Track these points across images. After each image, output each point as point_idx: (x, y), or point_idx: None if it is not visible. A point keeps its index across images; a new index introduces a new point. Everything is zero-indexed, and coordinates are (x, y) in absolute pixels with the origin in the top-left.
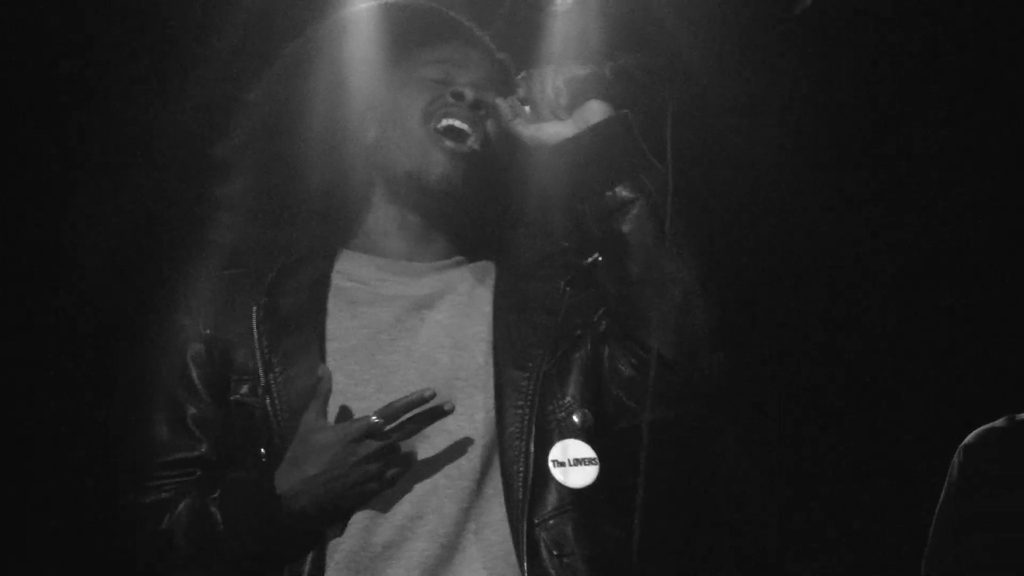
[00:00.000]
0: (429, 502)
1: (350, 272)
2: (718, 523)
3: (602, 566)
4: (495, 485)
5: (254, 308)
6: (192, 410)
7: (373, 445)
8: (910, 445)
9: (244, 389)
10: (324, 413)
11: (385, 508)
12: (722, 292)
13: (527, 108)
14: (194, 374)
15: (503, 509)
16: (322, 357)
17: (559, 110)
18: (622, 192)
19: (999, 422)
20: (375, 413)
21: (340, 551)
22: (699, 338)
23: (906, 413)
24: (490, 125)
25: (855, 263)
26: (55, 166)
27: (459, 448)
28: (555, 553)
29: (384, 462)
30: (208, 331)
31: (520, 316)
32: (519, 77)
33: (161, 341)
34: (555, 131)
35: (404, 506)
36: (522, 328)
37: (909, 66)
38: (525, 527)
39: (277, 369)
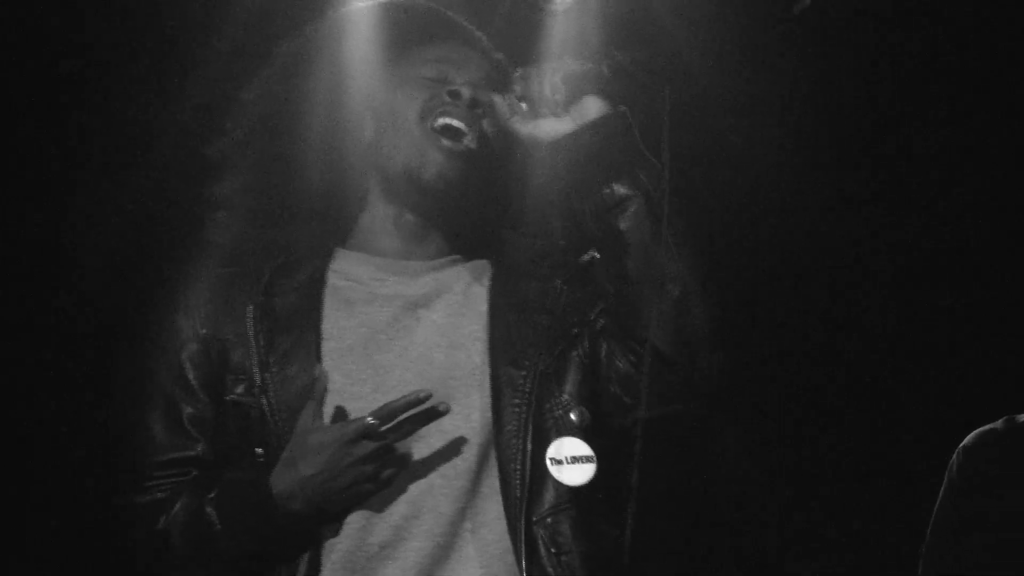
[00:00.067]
0: (425, 502)
1: (346, 271)
2: (718, 523)
3: (599, 565)
4: (491, 484)
5: (250, 308)
6: (188, 410)
7: (369, 446)
8: (910, 445)
9: (240, 389)
10: (320, 413)
11: (381, 508)
12: (722, 292)
13: (524, 105)
14: (190, 374)
15: (499, 508)
16: (318, 357)
17: (556, 107)
18: (619, 189)
19: (998, 424)
20: (371, 414)
21: (336, 551)
22: (697, 335)
23: (906, 413)
24: (487, 124)
25: (855, 263)
26: (55, 166)
27: (455, 447)
28: (553, 551)
29: (380, 463)
30: (204, 331)
31: (517, 315)
32: (516, 74)
33: (158, 341)
34: (552, 128)
35: (400, 506)
36: (519, 327)
37: (909, 66)
38: (523, 525)
39: (273, 369)
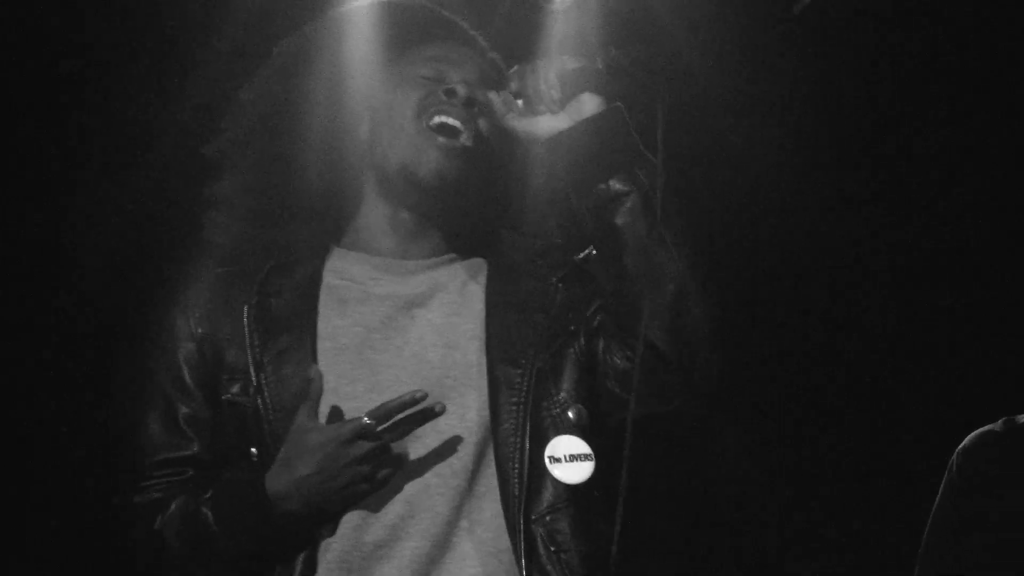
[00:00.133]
0: (421, 501)
1: (342, 270)
2: (718, 523)
3: (598, 563)
4: (487, 483)
5: (245, 307)
6: (184, 409)
7: (365, 446)
8: (910, 445)
9: (235, 388)
10: (316, 413)
11: (377, 508)
12: (722, 292)
13: (520, 102)
14: (186, 374)
15: (496, 507)
16: (314, 357)
17: (552, 104)
18: (616, 185)
19: (997, 425)
20: (367, 414)
21: (332, 551)
22: (695, 331)
23: (906, 413)
24: (483, 123)
25: (855, 263)
26: (55, 166)
27: (450, 447)
28: (552, 549)
29: (376, 463)
30: (200, 330)
31: (513, 313)
32: (512, 71)
33: (156, 341)
34: (548, 125)
35: (396, 505)
36: (515, 325)
37: (909, 66)
38: (522, 524)
39: (268, 368)
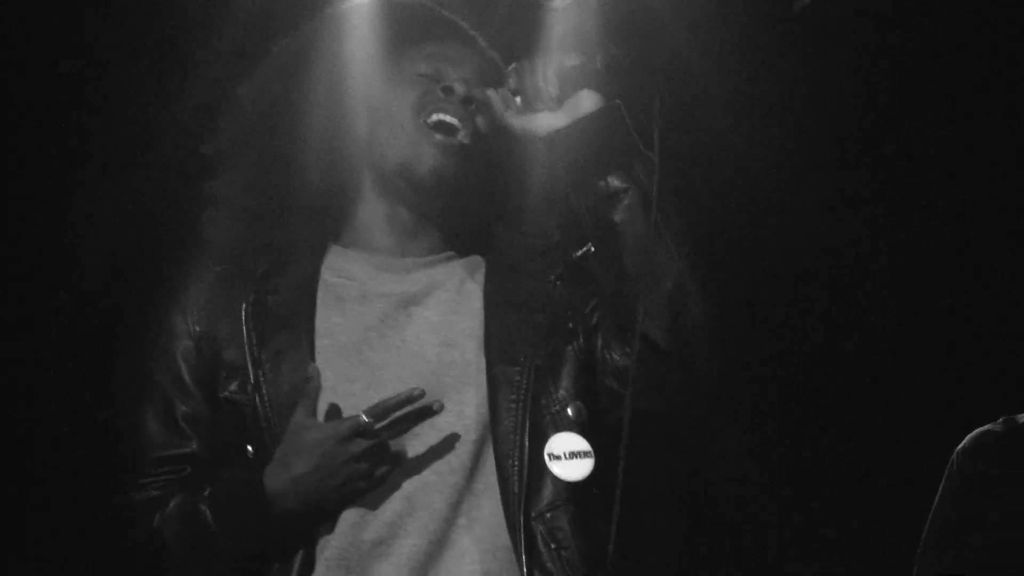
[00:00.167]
0: (419, 498)
1: (339, 268)
2: (718, 523)
3: (598, 562)
4: (486, 480)
5: (244, 305)
6: (182, 407)
7: (363, 444)
8: (910, 445)
9: (234, 386)
10: (313, 411)
11: (375, 505)
12: (722, 292)
13: (518, 99)
14: (185, 372)
15: (494, 504)
16: (311, 354)
17: (550, 101)
18: (614, 182)
19: (996, 425)
20: (365, 412)
21: (330, 548)
22: (694, 328)
23: (906, 413)
24: (481, 121)
25: (855, 263)
26: (55, 166)
27: (448, 444)
28: (552, 547)
29: (374, 461)
30: (198, 328)
31: (511, 311)
32: (510, 68)
33: (155, 339)
34: (546, 122)
35: (394, 503)
36: (513, 323)
37: (909, 66)
38: (522, 521)
39: (267, 366)
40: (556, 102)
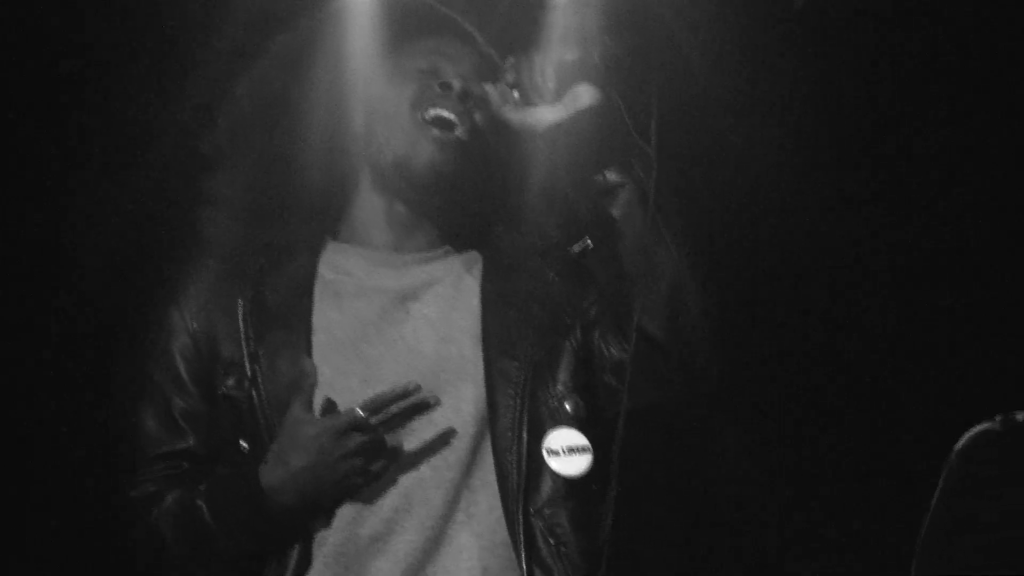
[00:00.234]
0: (415, 494)
1: (336, 264)
2: (718, 523)
3: (598, 558)
4: (483, 476)
5: (240, 301)
6: (180, 403)
7: (359, 438)
8: (910, 445)
9: (230, 382)
10: (309, 406)
11: (372, 500)
12: (722, 292)
13: (516, 94)
14: (182, 368)
15: (492, 500)
16: (308, 350)
17: (548, 95)
18: (612, 177)
19: (994, 424)
20: (360, 406)
21: (327, 544)
22: (691, 322)
23: (906, 413)
24: (478, 116)
25: (855, 263)
26: (55, 166)
27: (445, 440)
28: (552, 543)
29: (370, 455)
30: (195, 324)
31: (509, 307)
32: (508, 63)
33: (152, 337)
34: (544, 116)
35: (391, 498)
36: (511, 318)
37: (909, 66)
38: (521, 517)
39: (263, 362)
40: (554, 96)
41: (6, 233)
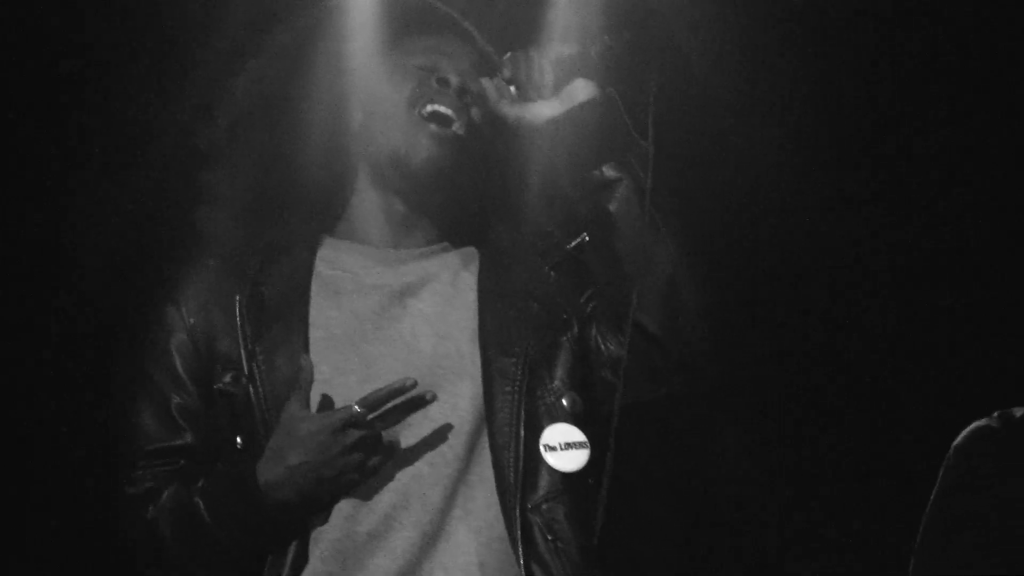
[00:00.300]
0: (413, 490)
1: (333, 260)
2: (718, 523)
3: (595, 555)
4: (481, 472)
5: (238, 297)
6: (176, 400)
7: (356, 434)
8: (910, 445)
9: (228, 378)
10: (307, 403)
11: (369, 497)
12: (722, 292)
13: (513, 89)
14: (178, 364)
15: (489, 496)
16: (305, 346)
17: (545, 90)
18: (608, 171)
19: (992, 420)
20: (357, 402)
21: (324, 540)
22: (687, 317)
23: (906, 413)
24: (475, 112)
25: (855, 263)
26: (55, 166)
27: (442, 436)
28: (549, 538)
29: (367, 451)
30: (192, 321)
31: (506, 302)
32: (505, 58)
33: (150, 333)
34: (541, 111)
35: (388, 495)
36: (508, 314)
37: (909, 66)
38: (518, 512)
39: (260, 358)
40: (551, 91)
41: (6, 233)
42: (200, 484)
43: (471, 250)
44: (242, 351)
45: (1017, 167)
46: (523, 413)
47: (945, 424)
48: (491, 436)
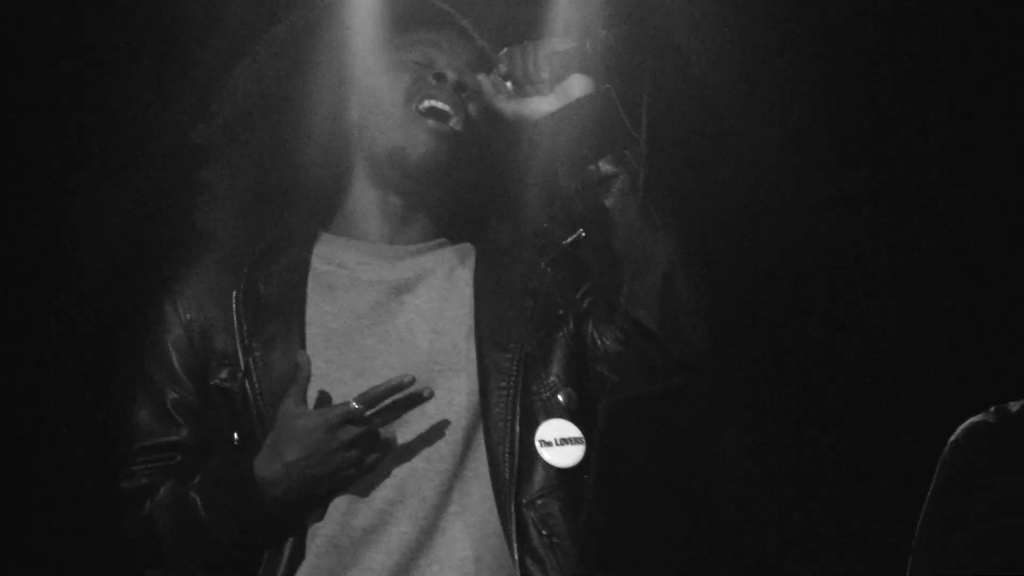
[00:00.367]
0: (409, 486)
1: (329, 256)
2: (718, 523)
3: (590, 550)
4: (476, 467)
5: (234, 293)
6: (172, 395)
7: (353, 431)
8: (910, 445)
9: (224, 374)
10: (303, 399)
11: (365, 493)
12: (722, 292)
13: (509, 84)
14: (174, 359)
15: (485, 491)
16: (302, 342)
17: (541, 85)
18: (605, 166)
19: (988, 416)
20: (355, 399)
21: (320, 536)
22: (683, 311)
23: (906, 413)
24: (472, 107)
25: (855, 263)
26: (55, 166)
27: (438, 431)
28: (544, 533)
29: (364, 448)
30: (188, 316)
31: (501, 298)
32: (501, 53)
33: (147, 330)
34: (537, 106)
35: (384, 490)
36: (504, 310)
37: (909, 66)
38: (513, 508)
39: (257, 354)
40: (547, 86)
41: (6, 233)
42: (196, 480)
43: (467, 246)
44: (238, 347)
45: (1017, 167)
46: (519, 409)
47: (945, 424)
48: (486, 432)
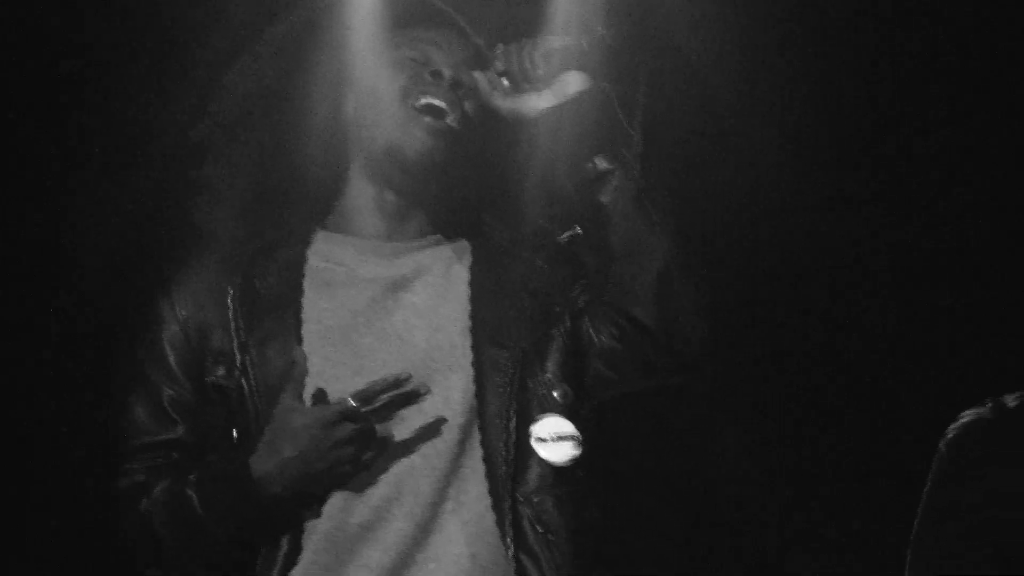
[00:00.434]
0: (405, 483)
1: (326, 253)
2: (718, 523)
3: (585, 547)
4: (472, 464)
5: (230, 290)
6: (169, 393)
7: (350, 428)
8: (910, 445)
9: (220, 371)
10: (300, 396)
11: (362, 489)
12: (722, 292)
13: (505, 81)
14: (170, 356)
15: (481, 487)
16: (298, 339)
17: (537, 82)
18: (601, 163)
19: (984, 410)
20: (351, 395)
21: (317, 533)
22: (679, 308)
23: (906, 413)
24: (469, 104)
25: (855, 263)
26: (55, 166)
27: (435, 428)
28: (539, 530)
29: (361, 445)
30: (184, 313)
31: (498, 295)
32: (497, 51)
33: (144, 328)
34: (533, 103)
35: (380, 487)
36: (500, 307)
37: (909, 66)
38: (509, 504)
39: (253, 351)
40: (543, 84)
41: (6, 233)
42: (193, 477)
43: (463, 243)
44: (234, 344)
45: (1017, 167)
46: (514, 405)
47: (945, 424)
48: (482, 428)
